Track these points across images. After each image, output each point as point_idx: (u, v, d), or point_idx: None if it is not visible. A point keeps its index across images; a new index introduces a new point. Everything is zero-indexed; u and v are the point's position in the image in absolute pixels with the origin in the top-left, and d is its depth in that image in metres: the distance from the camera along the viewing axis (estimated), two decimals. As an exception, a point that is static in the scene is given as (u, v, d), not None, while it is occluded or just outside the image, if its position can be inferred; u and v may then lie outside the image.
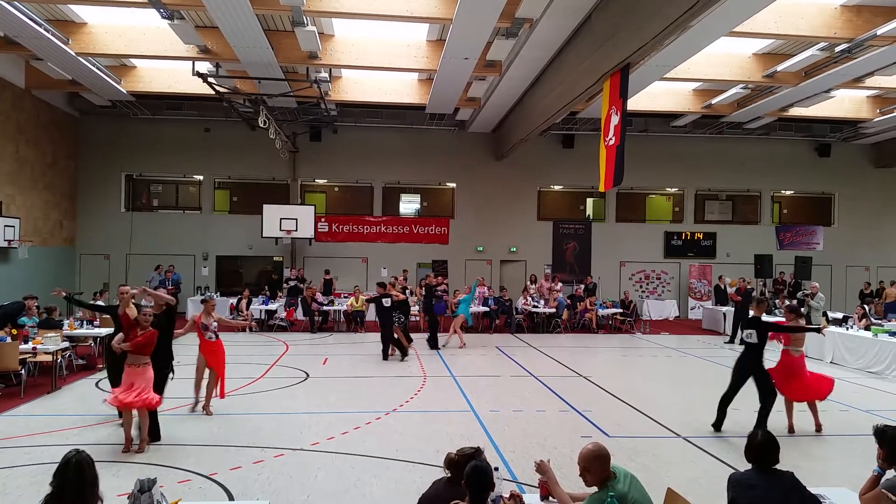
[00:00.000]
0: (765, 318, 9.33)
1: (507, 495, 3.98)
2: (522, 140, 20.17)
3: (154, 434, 7.91)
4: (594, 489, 4.01)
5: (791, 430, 9.03)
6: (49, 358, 10.86)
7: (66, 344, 11.67)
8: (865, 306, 16.78)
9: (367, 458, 7.48)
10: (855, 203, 25.89)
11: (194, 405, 9.62)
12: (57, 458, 3.59)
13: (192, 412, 9.46)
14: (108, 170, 22.70)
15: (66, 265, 21.83)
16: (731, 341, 17.87)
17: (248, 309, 18.53)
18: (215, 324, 9.62)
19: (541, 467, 4.37)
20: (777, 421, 8.77)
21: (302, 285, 20.16)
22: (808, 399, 9.13)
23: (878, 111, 20.95)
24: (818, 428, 9.07)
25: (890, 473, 4.38)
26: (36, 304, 13.23)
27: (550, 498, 4.34)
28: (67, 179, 21.89)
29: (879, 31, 13.75)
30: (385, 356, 14.22)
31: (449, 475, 4.14)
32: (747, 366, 8.75)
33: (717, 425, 8.95)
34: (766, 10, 12.80)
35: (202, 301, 10.11)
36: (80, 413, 9.37)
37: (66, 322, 13.29)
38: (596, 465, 3.99)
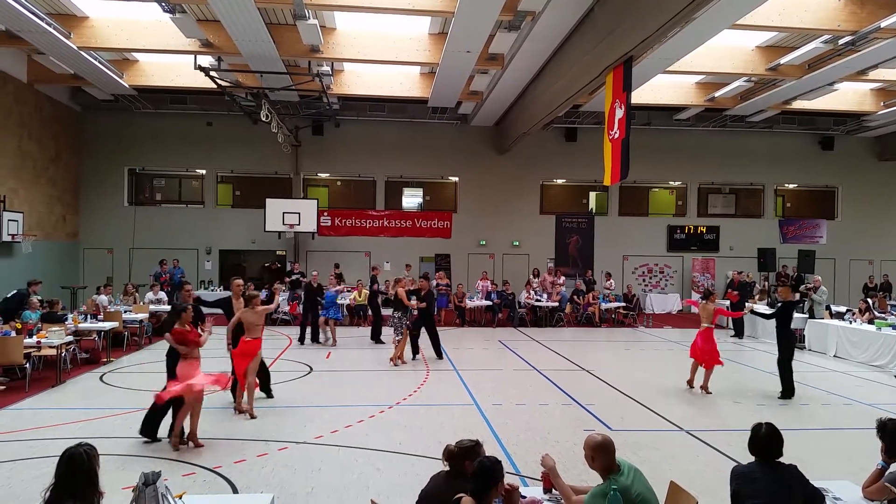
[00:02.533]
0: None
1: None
2: (525, 133, 20.14)
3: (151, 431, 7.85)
4: (597, 482, 4.02)
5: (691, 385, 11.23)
6: (53, 352, 10.89)
7: (71, 338, 11.68)
8: (869, 300, 16.74)
9: (371, 451, 7.51)
10: (858, 196, 25.83)
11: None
12: (60, 451, 3.60)
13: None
14: (110, 164, 22.72)
15: (69, 259, 21.88)
16: (737, 335, 17.84)
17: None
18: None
19: (545, 461, 4.38)
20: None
21: (304, 279, 20.16)
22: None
23: (881, 104, 20.87)
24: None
25: (894, 467, 4.38)
26: (38, 297, 13.24)
27: (553, 490, 4.35)
28: (70, 174, 21.91)
29: (883, 24, 13.69)
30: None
31: (447, 468, 4.15)
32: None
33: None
34: (769, 3, 12.73)
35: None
36: (85, 407, 9.41)
37: (69, 316, 13.30)
38: (594, 454, 4.00)
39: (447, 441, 4.39)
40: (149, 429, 7.75)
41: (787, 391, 10.60)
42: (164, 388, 7.61)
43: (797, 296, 16.59)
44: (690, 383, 11.26)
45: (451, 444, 4.20)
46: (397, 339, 13.18)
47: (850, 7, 13.83)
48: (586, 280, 21.43)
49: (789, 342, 10.70)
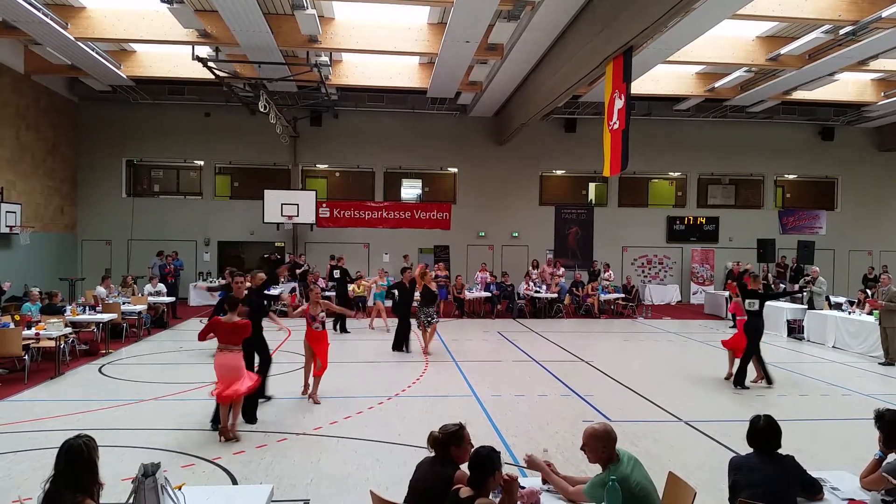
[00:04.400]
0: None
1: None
2: (524, 124, 20.09)
3: (251, 416, 8.18)
4: (596, 472, 4.02)
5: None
6: (52, 343, 10.88)
7: (69, 329, 11.67)
8: (868, 290, 16.75)
9: (370, 442, 7.51)
10: (858, 187, 25.81)
11: (305, 390, 9.73)
12: (59, 443, 3.60)
13: (302, 396, 9.64)
14: (108, 155, 22.67)
15: (67, 251, 21.86)
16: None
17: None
18: (322, 313, 9.68)
19: (530, 462, 4.36)
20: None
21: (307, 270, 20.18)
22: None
23: (881, 94, 20.82)
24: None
25: (891, 457, 4.38)
26: (37, 289, 13.24)
27: None
28: (68, 165, 21.86)
29: (884, 14, 13.64)
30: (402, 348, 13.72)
31: (433, 454, 4.15)
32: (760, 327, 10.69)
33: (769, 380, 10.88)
34: (770, -7, 12.70)
35: (308, 290, 10.08)
36: (84, 398, 9.41)
37: (68, 307, 13.30)
38: (595, 444, 4.00)
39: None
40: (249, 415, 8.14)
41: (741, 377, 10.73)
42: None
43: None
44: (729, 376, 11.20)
45: (435, 430, 4.19)
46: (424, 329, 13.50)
47: (851, -4, 13.79)
48: (591, 271, 21.43)
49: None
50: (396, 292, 14.05)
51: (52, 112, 20.65)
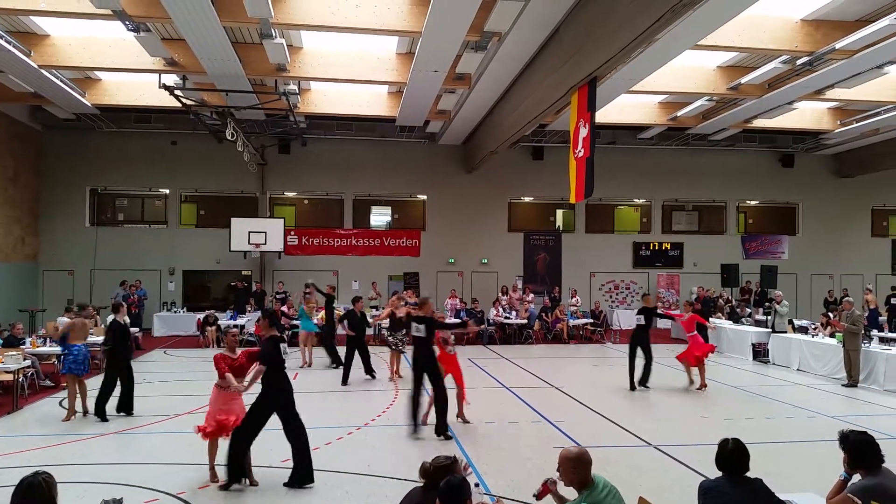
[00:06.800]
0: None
1: None
2: (492, 152, 20.26)
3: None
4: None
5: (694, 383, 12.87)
6: (10, 377, 10.56)
7: (28, 362, 11.33)
8: (830, 314, 17.09)
9: (339, 473, 7.40)
10: (818, 212, 26.45)
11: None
12: (16, 481, 3.48)
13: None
14: (72, 184, 22.29)
15: (28, 282, 21.33)
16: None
17: (213, 325, 18.22)
18: (453, 337, 10.49)
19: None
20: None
21: (279, 297, 20.03)
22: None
23: (838, 122, 21.47)
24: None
25: (856, 478, 4.44)
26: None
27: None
28: (30, 194, 21.43)
29: (838, 45, 14.12)
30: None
31: (423, 483, 4.11)
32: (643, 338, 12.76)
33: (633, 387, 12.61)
34: (729, 24, 13.05)
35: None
36: (43, 433, 9.13)
37: (28, 340, 12.93)
38: (568, 466, 4.00)
39: (417, 462, 4.35)
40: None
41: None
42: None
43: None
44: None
45: (427, 462, 4.15)
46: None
47: (807, 29, 14.23)
48: (552, 297, 21.57)
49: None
50: (347, 322, 13.84)
51: (14, 140, 20.27)
